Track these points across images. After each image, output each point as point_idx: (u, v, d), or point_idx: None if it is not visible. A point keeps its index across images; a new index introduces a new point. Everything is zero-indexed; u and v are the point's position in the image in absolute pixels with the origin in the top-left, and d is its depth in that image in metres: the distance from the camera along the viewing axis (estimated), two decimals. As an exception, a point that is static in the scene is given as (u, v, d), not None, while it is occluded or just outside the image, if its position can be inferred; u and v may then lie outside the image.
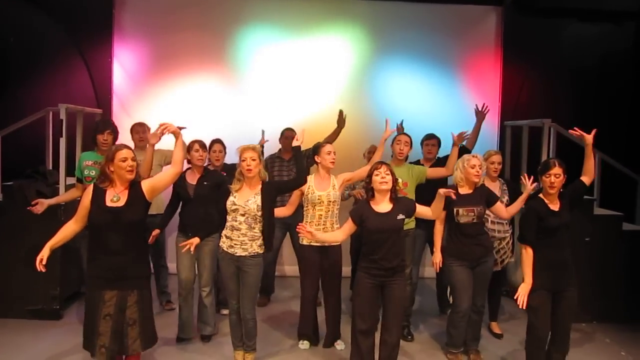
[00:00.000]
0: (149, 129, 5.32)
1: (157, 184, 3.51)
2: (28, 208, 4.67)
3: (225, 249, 4.03)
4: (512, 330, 4.96)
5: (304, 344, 4.66)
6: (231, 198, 3.99)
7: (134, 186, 3.44)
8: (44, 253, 3.33)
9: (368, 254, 3.77)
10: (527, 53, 6.82)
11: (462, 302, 4.26)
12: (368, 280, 3.77)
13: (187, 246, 4.03)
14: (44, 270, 3.31)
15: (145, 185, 3.46)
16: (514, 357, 4.24)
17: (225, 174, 4.76)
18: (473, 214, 4.20)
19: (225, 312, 5.13)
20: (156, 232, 4.51)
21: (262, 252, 4.03)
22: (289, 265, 6.58)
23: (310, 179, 4.49)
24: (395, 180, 3.80)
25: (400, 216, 3.75)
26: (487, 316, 5.01)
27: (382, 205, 3.78)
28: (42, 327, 4.87)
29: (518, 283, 3.83)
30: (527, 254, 3.78)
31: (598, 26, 6.90)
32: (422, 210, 3.90)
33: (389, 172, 3.75)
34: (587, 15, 6.85)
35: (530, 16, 6.81)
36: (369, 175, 3.81)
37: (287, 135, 5.62)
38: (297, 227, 3.84)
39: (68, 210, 4.97)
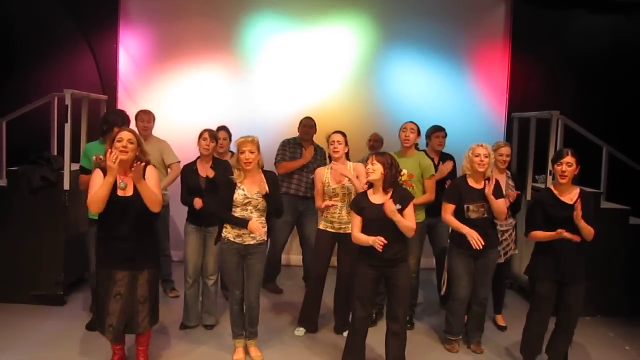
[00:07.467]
0: (154, 117, 5.27)
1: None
2: None
3: (232, 239, 3.96)
4: (516, 323, 4.92)
5: (299, 331, 4.64)
6: (240, 192, 3.90)
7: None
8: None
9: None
10: (536, 44, 6.74)
11: (459, 289, 4.28)
12: (369, 271, 3.77)
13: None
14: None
15: (148, 172, 3.53)
16: (517, 349, 4.23)
17: None
18: (483, 209, 4.16)
19: None
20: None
21: (266, 239, 4.06)
22: (294, 255, 6.58)
23: (327, 170, 4.45)
24: (396, 172, 3.76)
25: (397, 206, 3.67)
26: (492, 309, 5.00)
27: (377, 195, 3.76)
28: (46, 313, 4.88)
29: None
30: (536, 235, 3.81)
31: (608, 17, 6.81)
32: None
33: (375, 161, 3.71)
34: (597, 6, 6.76)
35: (539, 7, 6.72)
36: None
37: (306, 124, 5.55)
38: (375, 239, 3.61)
39: (72, 195, 4.98)
